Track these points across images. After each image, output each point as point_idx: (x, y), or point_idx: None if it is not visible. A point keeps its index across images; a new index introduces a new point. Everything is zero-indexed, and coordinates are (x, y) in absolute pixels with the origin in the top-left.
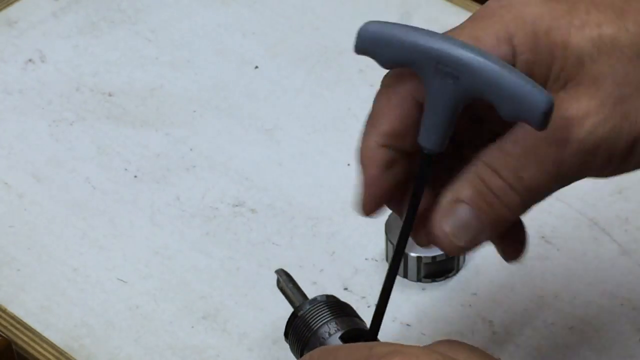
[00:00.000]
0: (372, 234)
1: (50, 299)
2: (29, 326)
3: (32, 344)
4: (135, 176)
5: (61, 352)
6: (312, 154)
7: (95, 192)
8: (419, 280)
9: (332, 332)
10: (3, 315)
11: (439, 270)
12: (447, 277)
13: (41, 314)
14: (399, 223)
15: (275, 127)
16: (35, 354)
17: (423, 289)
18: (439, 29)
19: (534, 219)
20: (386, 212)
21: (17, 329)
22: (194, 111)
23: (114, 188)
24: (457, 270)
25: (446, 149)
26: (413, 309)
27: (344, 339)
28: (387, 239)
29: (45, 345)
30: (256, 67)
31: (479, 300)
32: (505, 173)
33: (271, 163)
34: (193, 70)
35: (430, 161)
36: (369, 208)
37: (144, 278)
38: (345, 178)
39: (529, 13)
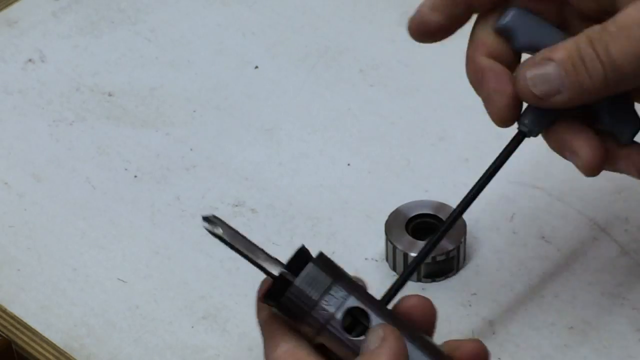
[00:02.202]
0: (372, 234)
1: (50, 299)
2: (29, 326)
3: (32, 344)
4: (135, 176)
5: (61, 352)
6: (312, 154)
7: (95, 192)
8: (419, 280)
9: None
10: (3, 315)
11: (439, 270)
12: (447, 277)
13: (41, 314)
14: (398, 223)
15: (275, 127)
16: (35, 354)
17: (423, 289)
18: None
19: (534, 219)
20: (386, 212)
21: (17, 329)
22: (194, 111)
23: (114, 188)
24: (457, 270)
25: None
26: None
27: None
28: (387, 239)
29: (45, 345)
30: (256, 67)
31: (479, 300)
32: (597, 44)
33: (271, 163)
34: (193, 70)
35: (521, 140)
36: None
37: (144, 278)
38: (345, 178)
39: None
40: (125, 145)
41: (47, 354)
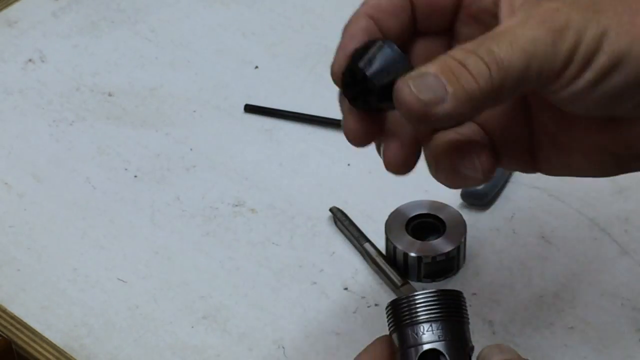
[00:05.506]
0: (372, 234)
1: (50, 299)
2: (29, 326)
3: (32, 344)
4: (135, 176)
5: (61, 352)
6: (312, 154)
7: (95, 192)
8: (419, 280)
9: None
10: (3, 315)
11: (439, 270)
12: (447, 277)
13: (41, 314)
14: (398, 223)
15: (275, 127)
16: (35, 354)
17: (423, 289)
18: None
19: (533, 219)
20: (386, 212)
21: (17, 329)
22: (194, 111)
23: (114, 188)
24: (457, 270)
25: None
26: None
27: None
28: (387, 239)
29: (45, 345)
30: (256, 67)
31: (479, 300)
32: (479, 49)
33: (271, 163)
34: (193, 70)
35: None
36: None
37: (144, 278)
38: (345, 178)
39: None
40: (125, 145)
41: (47, 354)
